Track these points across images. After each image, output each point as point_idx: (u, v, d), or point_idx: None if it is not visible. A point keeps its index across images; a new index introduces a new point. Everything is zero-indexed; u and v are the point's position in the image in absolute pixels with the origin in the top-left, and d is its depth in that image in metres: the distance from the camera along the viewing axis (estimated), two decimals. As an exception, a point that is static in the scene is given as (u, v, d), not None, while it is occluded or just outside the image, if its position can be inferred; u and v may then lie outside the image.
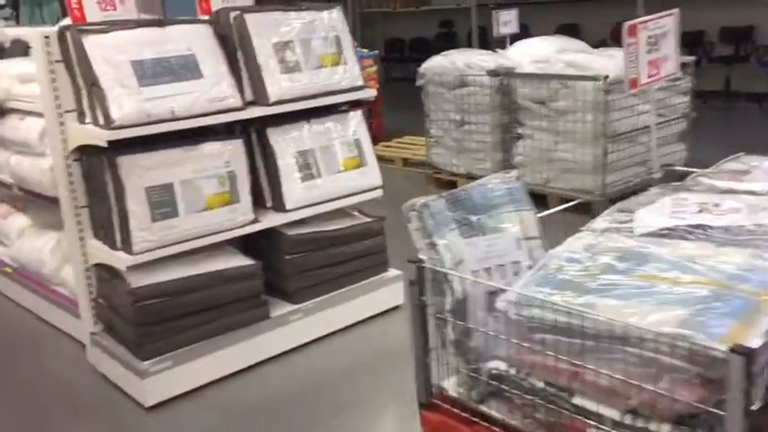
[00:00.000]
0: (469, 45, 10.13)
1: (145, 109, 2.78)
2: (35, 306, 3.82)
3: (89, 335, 3.18)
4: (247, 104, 3.12)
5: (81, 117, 2.91)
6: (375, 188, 3.58)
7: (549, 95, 4.97)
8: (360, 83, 3.45)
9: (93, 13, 2.98)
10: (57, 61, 2.89)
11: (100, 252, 2.99)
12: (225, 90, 3.01)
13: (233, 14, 3.14)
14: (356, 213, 3.66)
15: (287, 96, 3.18)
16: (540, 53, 5.40)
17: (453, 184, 5.79)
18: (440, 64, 5.61)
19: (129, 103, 2.75)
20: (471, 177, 5.66)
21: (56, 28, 2.91)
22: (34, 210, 4.13)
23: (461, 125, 5.62)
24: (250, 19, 3.13)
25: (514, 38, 6.15)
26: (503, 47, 5.91)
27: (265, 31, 3.16)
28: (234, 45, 3.14)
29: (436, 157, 5.88)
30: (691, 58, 5.33)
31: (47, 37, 2.87)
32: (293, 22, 3.26)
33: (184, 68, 2.93)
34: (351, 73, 3.41)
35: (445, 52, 5.76)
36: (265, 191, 3.33)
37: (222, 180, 3.06)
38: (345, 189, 3.47)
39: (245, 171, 3.14)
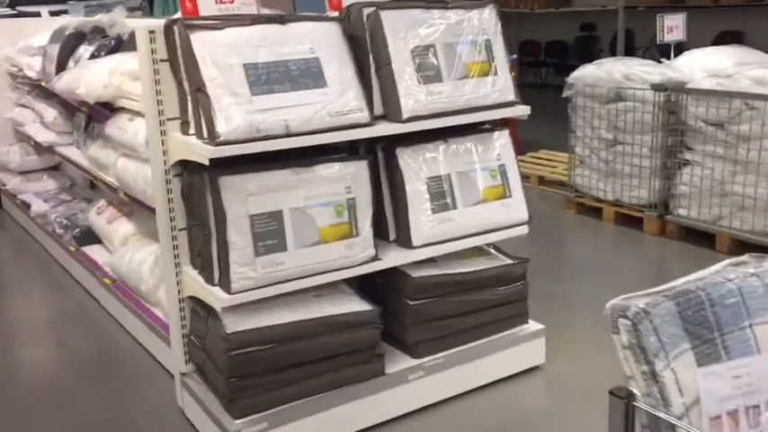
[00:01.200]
0: (612, 52, 9.24)
1: (255, 122, 2.31)
2: (131, 325, 3.49)
3: (179, 374, 2.77)
4: (375, 119, 2.60)
5: (184, 126, 2.49)
6: (520, 224, 2.98)
7: (730, 117, 4.16)
8: (511, 97, 2.85)
9: (206, 6, 2.55)
10: (162, 60, 2.48)
11: (195, 284, 2.56)
12: (351, 102, 2.50)
13: (367, 11, 2.62)
14: (493, 252, 3.07)
15: (424, 112, 2.64)
16: (716, 66, 4.58)
17: (597, 212, 5.08)
18: (593, 74, 4.90)
19: (238, 115, 2.30)
20: (620, 205, 4.93)
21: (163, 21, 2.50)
22: (141, 216, 3.81)
23: (613, 145, 4.89)
24: (387, 17, 2.60)
25: (678, 47, 5.34)
26: (665, 56, 5.11)
27: (403, 31, 2.63)
28: (365, 48, 2.63)
29: (580, 179, 5.17)
30: None
31: (152, 31, 2.46)
32: (437, 23, 2.70)
33: (305, 74, 2.44)
34: (501, 85, 2.82)
35: (599, 61, 5.04)
36: (389, 222, 2.80)
37: (340, 209, 2.55)
38: (485, 224, 2.88)
39: (369, 198, 2.63)
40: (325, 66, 2.49)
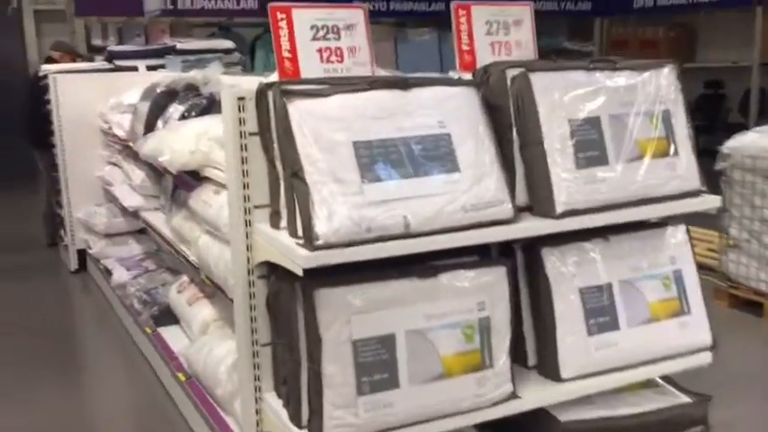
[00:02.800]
0: (743, 112, 8.35)
1: (365, 219, 1.74)
2: (203, 433, 2.95)
3: None
4: (519, 211, 1.98)
5: (275, 218, 1.95)
6: (701, 350, 2.26)
7: None
8: (696, 185, 2.18)
9: (310, 65, 2.04)
10: (251, 134, 1.97)
11: (277, 420, 1.98)
12: (489, 191, 1.90)
13: (511, 73, 2.03)
14: (664, 385, 2.35)
15: (584, 204, 2.00)
16: None
17: (757, 307, 4.22)
18: (756, 143, 4.11)
19: (344, 210, 1.73)
20: (792, 304, 4.07)
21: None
22: (224, 299, 3.31)
23: (781, 229, 4.06)
24: (538, 81, 2.00)
25: None
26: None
27: (559, 100, 2.02)
28: (508, 120, 2.03)
29: (734, 267, 4.34)
30: None
31: (241, 98, 1.96)
32: (602, 89, 2.08)
33: (433, 155, 1.86)
34: (684, 169, 2.15)
35: (761, 128, 4.26)
36: (528, 342, 2.15)
37: (470, 331, 1.93)
38: (656, 350, 2.19)
39: (507, 317, 2.00)
40: (458, 144, 1.91)
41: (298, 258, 1.72)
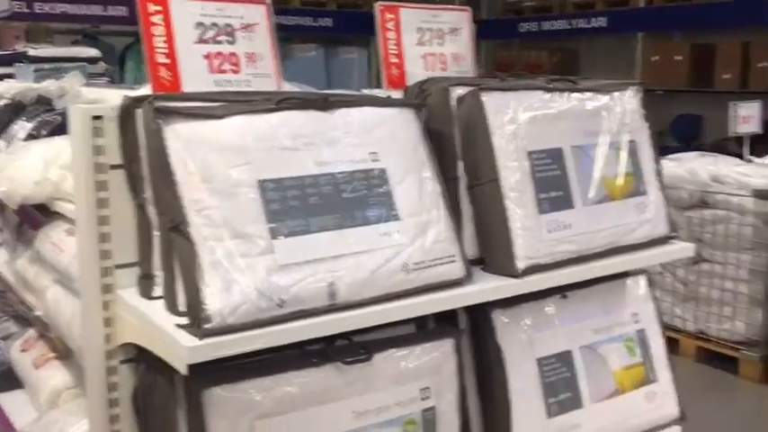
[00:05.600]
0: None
1: (277, 288, 1.25)
2: None
3: None
4: (468, 267, 1.55)
5: (146, 284, 1.41)
6: (671, 422, 1.92)
7: None
8: (665, 230, 1.83)
9: (195, 76, 1.51)
10: (113, 167, 1.42)
11: None
12: (437, 244, 1.45)
13: (457, 92, 1.60)
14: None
15: (548, 259, 1.59)
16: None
17: (673, 343, 4.03)
18: (670, 172, 3.94)
19: (246, 278, 1.23)
20: (704, 339, 3.91)
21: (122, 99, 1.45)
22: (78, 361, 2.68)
23: (696, 262, 3.90)
24: (491, 103, 1.58)
25: (754, 141, 4.47)
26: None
27: (517, 126, 1.61)
28: (453, 151, 1.60)
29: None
30: None
31: (97, 117, 1.41)
32: (564, 114, 1.69)
33: (364, 198, 1.39)
34: (653, 212, 1.80)
35: (675, 155, 4.12)
36: None
37: (411, 429, 1.47)
38: (624, 428, 1.82)
39: (456, 404, 1.56)
40: (396, 183, 1.45)
41: (179, 348, 1.20)
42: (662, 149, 6.13)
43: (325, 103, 1.43)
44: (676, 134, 8.85)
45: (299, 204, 1.32)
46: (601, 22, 8.84)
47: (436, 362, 1.52)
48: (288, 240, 1.29)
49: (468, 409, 1.66)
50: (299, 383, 1.34)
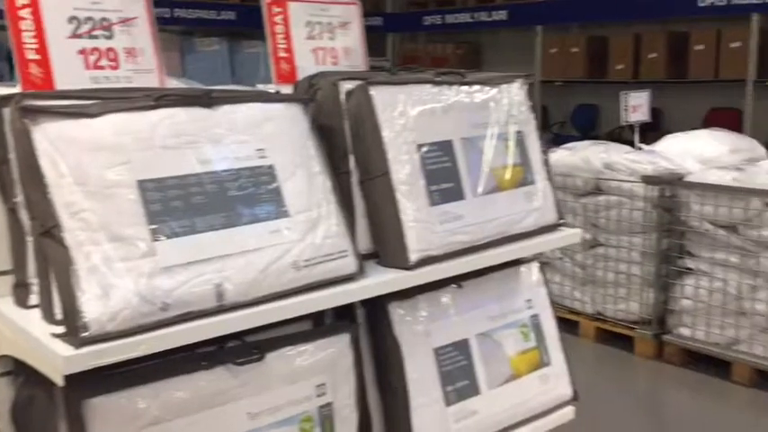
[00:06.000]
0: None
1: (160, 291, 1.21)
2: None
3: None
4: (362, 260, 1.55)
5: (21, 292, 1.34)
6: (564, 403, 1.99)
7: (746, 219, 3.42)
8: (554, 217, 1.89)
9: (69, 72, 1.44)
10: (-22, 169, 1.34)
11: None
12: (328, 240, 1.45)
13: (346, 86, 1.60)
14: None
15: (441, 250, 1.62)
16: (709, 154, 3.90)
17: (572, 326, 4.19)
18: (566, 161, 4.09)
19: (127, 282, 1.19)
20: (602, 320, 4.08)
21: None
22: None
23: (593, 246, 4.06)
24: (380, 97, 1.59)
25: (645, 128, 4.69)
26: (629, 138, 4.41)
27: (406, 119, 1.62)
28: (343, 145, 1.60)
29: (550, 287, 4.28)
30: None
31: (-42, 117, 1.32)
32: (453, 106, 1.72)
33: (252, 196, 1.37)
34: (541, 200, 1.86)
35: (570, 144, 4.26)
36: (375, 425, 1.72)
37: (307, 427, 1.46)
38: (519, 412, 1.87)
39: (353, 398, 1.56)
40: (285, 179, 1.43)
41: (55, 358, 1.14)
42: (563, 139, 6.37)
43: (208, 100, 1.39)
44: (576, 124, 9.19)
45: (182, 204, 1.28)
46: (501, 15, 9.05)
47: (332, 357, 1.51)
48: (171, 242, 1.25)
49: (367, 403, 1.67)
50: (189, 388, 1.30)
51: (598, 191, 3.96)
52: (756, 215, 3.37)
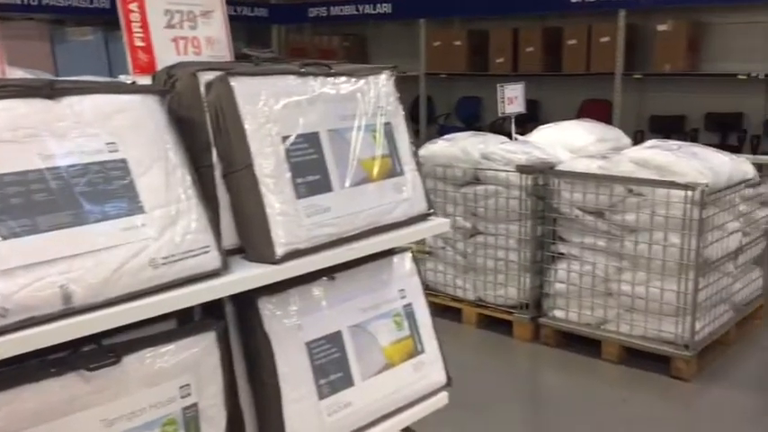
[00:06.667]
0: (414, 119, 8.87)
1: (-2, 297, 1.13)
2: None
3: None
4: (228, 255, 1.52)
5: None
6: (438, 389, 2.03)
7: (611, 205, 3.61)
8: (424, 207, 1.92)
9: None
10: None
11: None
12: (188, 235, 1.40)
13: (206, 77, 1.55)
14: (407, 435, 2.07)
15: (308, 243, 1.60)
16: (577, 143, 4.09)
17: (456, 313, 4.30)
18: (445, 152, 4.17)
19: (-43, 288, 1.10)
20: (483, 305, 4.20)
21: None
22: None
23: (473, 235, 4.17)
24: (242, 88, 1.55)
25: (524, 119, 4.88)
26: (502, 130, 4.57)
27: (270, 111, 1.59)
28: (204, 138, 1.55)
29: (432, 275, 4.37)
30: (768, 159, 4.17)
31: None
32: (319, 98, 1.70)
33: (102, 192, 1.30)
34: (410, 190, 1.88)
35: (450, 135, 4.35)
36: (247, 421, 1.69)
37: (170, 430, 1.41)
38: (393, 401, 1.89)
39: (221, 397, 1.52)
40: (139, 174, 1.37)
41: None
42: (447, 129, 6.54)
43: (50, 91, 1.31)
44: (461, 115, 9.43)
45: (22, 202, 1.20)
46: (386, 8, 9.13)
47: (196, 357, 1.47)
48: (9, 243, 1.17)
49: (238, 401, 1.64)
50: (35, 397, 1.23)
51: (476, 181, 4.07)
52: (620, 201, 3.57)
